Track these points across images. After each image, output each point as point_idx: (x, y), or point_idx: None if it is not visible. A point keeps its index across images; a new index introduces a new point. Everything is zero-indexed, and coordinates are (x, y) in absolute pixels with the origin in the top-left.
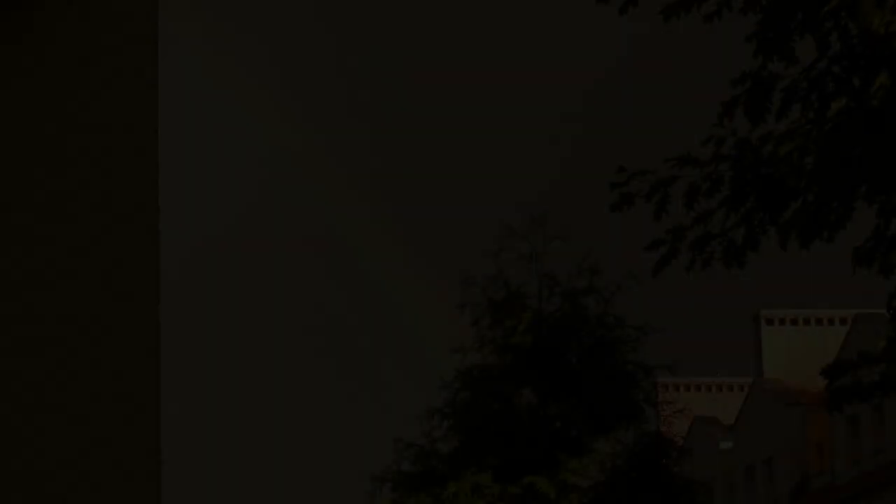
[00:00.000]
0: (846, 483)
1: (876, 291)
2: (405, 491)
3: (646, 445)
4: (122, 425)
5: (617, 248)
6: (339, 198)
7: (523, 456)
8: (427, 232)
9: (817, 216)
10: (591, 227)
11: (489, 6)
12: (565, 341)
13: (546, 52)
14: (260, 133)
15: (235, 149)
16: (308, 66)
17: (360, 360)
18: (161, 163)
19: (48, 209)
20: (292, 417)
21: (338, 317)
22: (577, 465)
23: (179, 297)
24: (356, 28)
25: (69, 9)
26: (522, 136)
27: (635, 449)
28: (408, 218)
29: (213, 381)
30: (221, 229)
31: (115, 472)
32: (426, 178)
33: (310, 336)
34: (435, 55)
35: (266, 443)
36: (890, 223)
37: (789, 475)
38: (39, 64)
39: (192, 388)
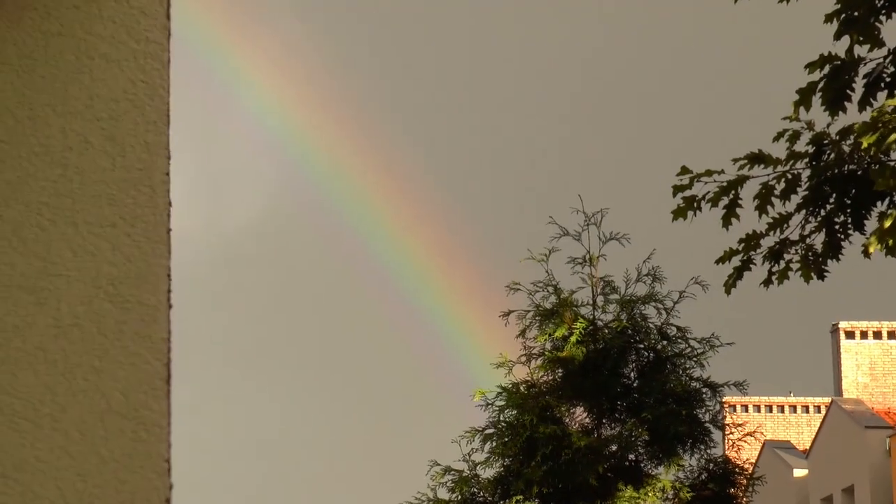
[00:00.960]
0: None
1: None
2: None
3: (712, 472)
4: (130, 442)
5: (680, 250)
6: (369, 196)
7: (574, 483)
8: (468, 233)
9: None
10: (651, 227)
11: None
12: (622, 355)
13: (595, 40)
14: (283, 126)
15: (256, 148)
16: (339, 53)
17: (392, 375)
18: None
19: (46, 204)
20: (318, 438)
21: (366, 326)
22: (634, 493)
23: (200, 299)
24: (388, 22)
25: None
26: (574, 130)
27: (700, 476)
28: (447, 218)
29: (234, 394)
30: (244, 234)
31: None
32: (467, 174)
33: (335, 348)
34: (472, 47)
35: (289, 464)
36: None
37: None
38: (40, 48)
39: (208, 403)
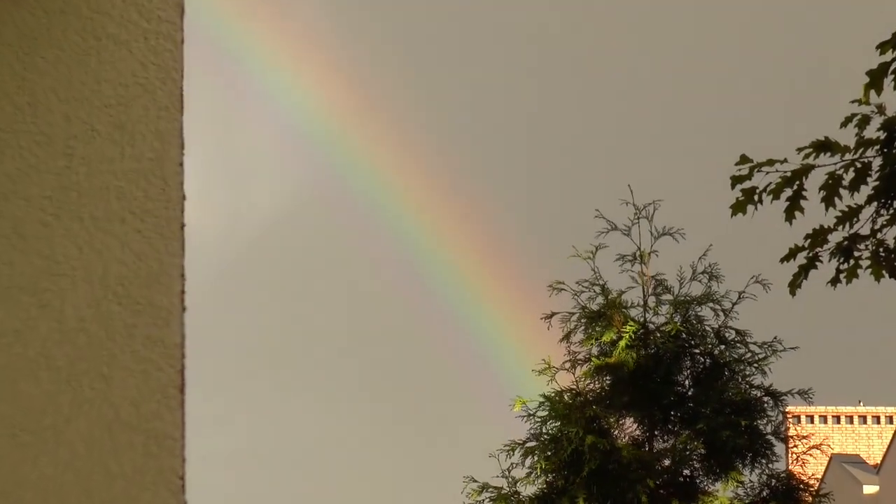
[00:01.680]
0: None
1: None
2: None
3: (774, 489)
4: (141, 457)
5: (740, 245)
6: (402, 192)
7: (624, 501)
8: (507, 229)
9: None
10: (708, 220)
11: None
12: (676, 361)
13: (646, 16)
14: (312, 117)
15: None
16: (373, 40)
17: (426, 383)
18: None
19: (49, 198)
20: (350, 452)
21: (399, 331)
22: None
23: (219, 300)
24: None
25: None
26: (623, 115)
27: (761, 493)
28: (484, 213)
29: (257, 404)
30: (272, 232)
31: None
32: (506, 166)
33: (365, 354)
34: (507, 35)
35: (320, 480)
36: None
37: None
38: (42, 28)
39: (228, 414)
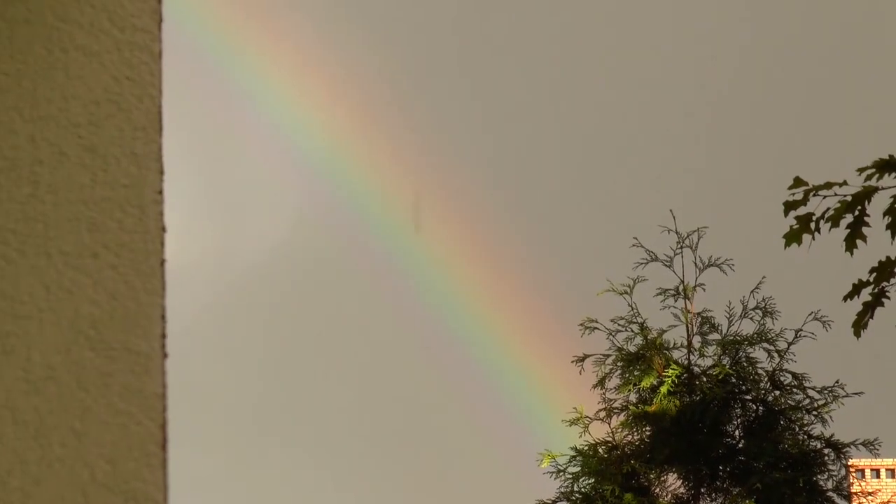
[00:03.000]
0: None
1: None
2: None
3: None
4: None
5: (796, 278)
6: (413, 224)
7: None
8: (532, 260)
9: None
10: (760, 250)
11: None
12: (725, 408)
13: (697, 31)
14: (311, 141)
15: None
16: (376, 57)
17: (441, 435)
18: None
19: (13, 231)
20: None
21: (411, 378)
22: None
23: (206, 346)
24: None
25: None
26: (663, 133)
27: None
28: (507, 242)
29: (251, 462)
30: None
31: None
32: (530, 188)
33: (375, 403)
34: (523, 52)
35: None
36: None
37: None
38: (3, 39)
39: (217, 473)
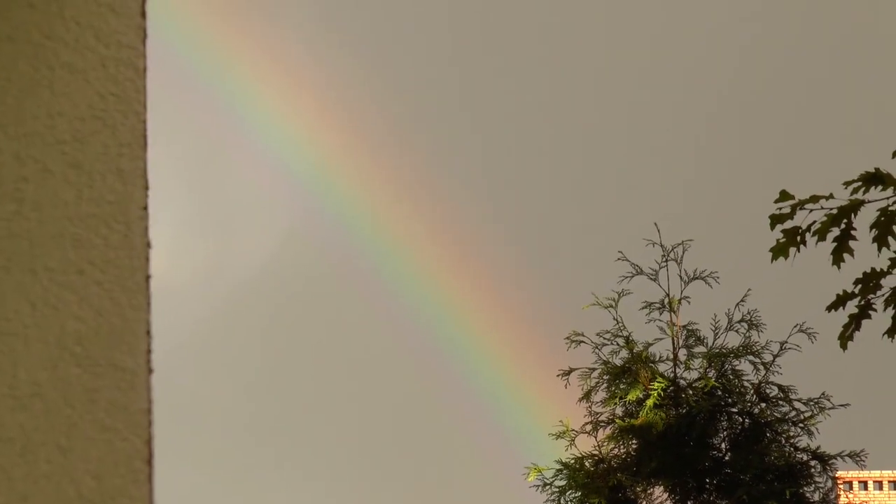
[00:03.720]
0: None
1: None
2: None
3: None
4: None
5: (782, 290)
6: (401, 239)
7: None
8: (517, 275)
9: None
10: (745, 262)
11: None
12: (711, 421)
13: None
14: (300, 157)
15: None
16: (365, 71)
17: (428, 449)
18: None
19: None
20: None
21: (398, 391)
22: None
23: (196, 362)
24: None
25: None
26: (648, 148)
27: None
28: (492, 257)
29: (238, 478)
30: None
31: None
32: (515, 203)
33: (362, 417)
34: (509, 61)
35: None
36: None
37: None
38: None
39: (205, 489)
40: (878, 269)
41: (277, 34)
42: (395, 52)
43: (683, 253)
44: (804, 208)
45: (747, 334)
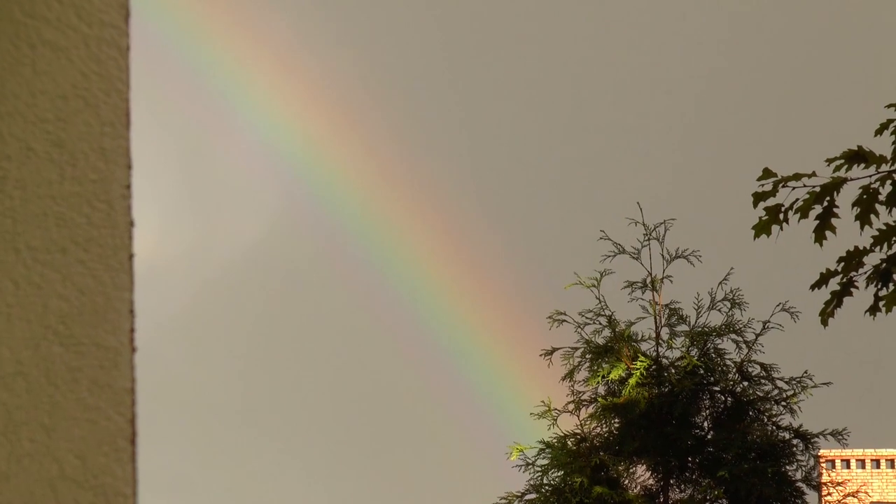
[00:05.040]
0: None
1: None
2: None
3: None
4: None
5: (764, 269)
6: (387, 221)
7: None
8: (500, 255)
9: None
10: (727, 242)
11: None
12: (693, 400)
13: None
14: (289, 139)
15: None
16: (355, 55)
17: (412, 429)
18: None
19: None
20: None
21: (384, 372)
22: None
23: (183, 341)
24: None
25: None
26: (630, 124)
27: None
28: (476, 238)
29: (224, 460)
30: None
31: None
32: (498, 183)
33: (348, 397)
34: (503, 47)
35: None
36: None
37: None
38: None
39: (187, 470)
40: (861, 248)
41: (268, 18)
42: (386, 40)
43: (665, 232)
44: (787, 186)
45: (730, 313)
